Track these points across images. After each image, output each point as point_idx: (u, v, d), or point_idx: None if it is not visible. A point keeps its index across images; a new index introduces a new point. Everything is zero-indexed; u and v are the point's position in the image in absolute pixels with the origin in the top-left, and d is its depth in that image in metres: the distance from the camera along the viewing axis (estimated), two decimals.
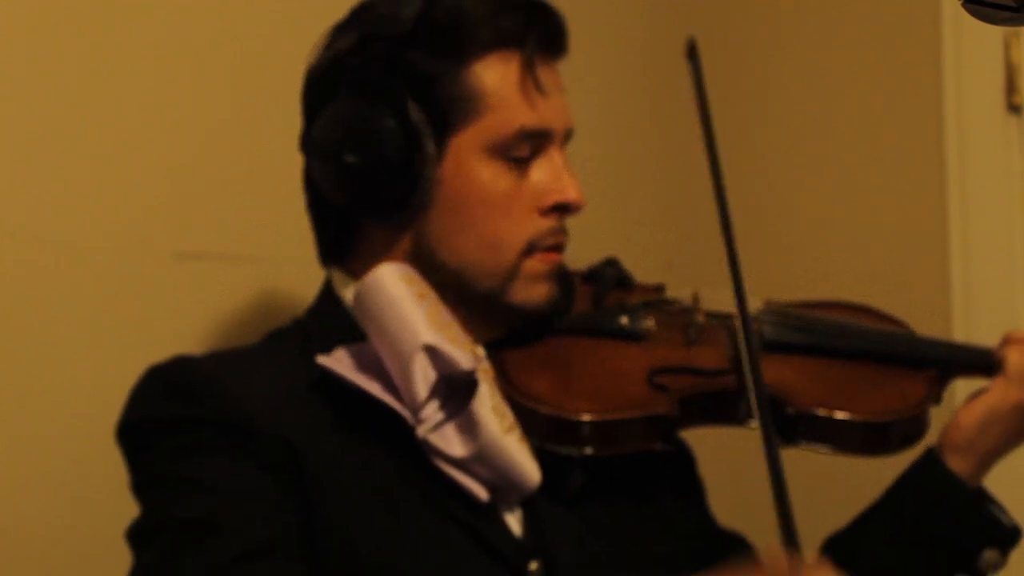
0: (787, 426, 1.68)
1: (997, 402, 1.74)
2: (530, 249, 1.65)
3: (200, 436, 1.54)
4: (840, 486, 2.32)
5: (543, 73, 1.65)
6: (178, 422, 1.55)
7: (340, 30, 1.67)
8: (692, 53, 1.73)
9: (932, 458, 1.75)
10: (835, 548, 1.81)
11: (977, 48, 2.39)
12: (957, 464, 1.74)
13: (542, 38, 1.65)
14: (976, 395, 1.77)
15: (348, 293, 1.65)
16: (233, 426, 1.53)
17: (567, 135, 1.69)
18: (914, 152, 2.45)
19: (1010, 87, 2.37)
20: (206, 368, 1.59)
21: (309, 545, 1.53)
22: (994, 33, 2.34)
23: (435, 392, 1.54)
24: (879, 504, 1.80)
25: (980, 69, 2.39)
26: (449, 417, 1.55)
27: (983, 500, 1.76)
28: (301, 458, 1.53)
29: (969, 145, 2.40)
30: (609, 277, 1.78)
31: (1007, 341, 1.78)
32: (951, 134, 2.41)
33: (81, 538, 1.78)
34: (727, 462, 2.01)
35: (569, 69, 1.70)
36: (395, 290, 1.56)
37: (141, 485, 1.57)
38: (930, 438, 1.76)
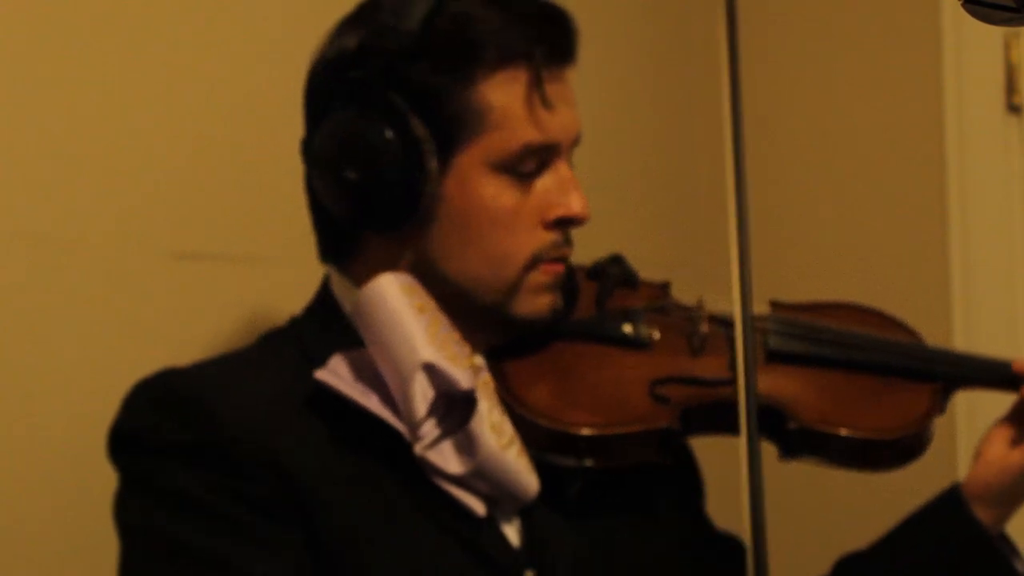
0: (788, 440, 1.67)
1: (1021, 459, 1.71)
2: (534, 263, 1.62)
3: (188, 467, 1.52)
4: (840, 489, 2.31)
5: (551, 85, 1.60)
6: (165, 447, 1.54)
7: (343, 32, 1.63)
8: None
9: (957, 500, 1.73)
10: (847, 572, 1.81)
11: (977, 48, 2.39)
12: (981, 511, 1.71)
13: (551, 50, 1.61)
14: (994, 440, 1.73)
15: (347, 297, 1.63)
16: (221, 455, 1.52)
17: (575, 142, 1.65)
18: (914, 153, 2.45)
19: (1010, 87, 2.38)
20: (194, 385, 1.57)
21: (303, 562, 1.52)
22: (994, 33, 2.34)
23: (433, 409, 1.52)
24: (897, 535, 1.78)
25: (980, 69, 2.39)
26: (446, 434, 1.53)
27: (1004, 548, 1.73)
28: (292, 477, 1.52)
29: (969, 145, 2.40)
30: (613, 275, 1.75)
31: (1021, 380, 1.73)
32: (951, 134, 2.41)
33: (81, 538, 1.78)
34: (726, 465, 2.00)
35: (572, 71, 1.69)
36: (395, 303, 1.53)
37: (128, 519, 1.56)
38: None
